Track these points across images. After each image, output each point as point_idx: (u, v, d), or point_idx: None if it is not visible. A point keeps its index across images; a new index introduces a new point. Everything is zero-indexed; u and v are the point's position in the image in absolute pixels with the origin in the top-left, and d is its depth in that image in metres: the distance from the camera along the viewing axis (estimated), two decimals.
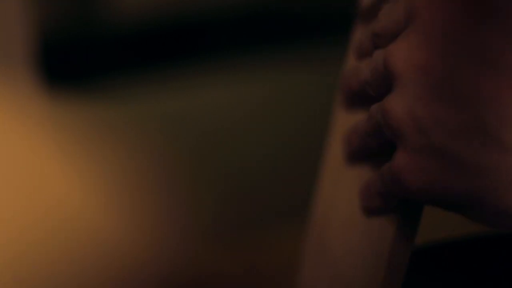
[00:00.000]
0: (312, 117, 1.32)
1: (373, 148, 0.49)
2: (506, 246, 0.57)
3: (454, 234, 0.59)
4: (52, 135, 1.21)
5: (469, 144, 0.42)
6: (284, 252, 1.05)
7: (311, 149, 1.28)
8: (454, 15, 0.43)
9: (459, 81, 0.42)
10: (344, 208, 0.48)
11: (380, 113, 0.45)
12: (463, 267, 0.56)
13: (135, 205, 1.09)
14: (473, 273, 0.55)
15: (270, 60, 1.45)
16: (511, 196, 0.42)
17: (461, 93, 0.42)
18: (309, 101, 1.36)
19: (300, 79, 1.39)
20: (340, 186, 0.49)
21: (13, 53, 1.27)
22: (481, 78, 0.41)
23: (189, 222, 1.07)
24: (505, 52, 0.41)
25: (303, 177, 1.26)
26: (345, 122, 0.52)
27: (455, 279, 0.54)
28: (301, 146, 1.31)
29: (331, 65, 1.38)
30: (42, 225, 1.03)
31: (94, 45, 1.40)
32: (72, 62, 1.38)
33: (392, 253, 0.44)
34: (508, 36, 0.41)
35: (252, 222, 1.12)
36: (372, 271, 0.44)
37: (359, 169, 0.49)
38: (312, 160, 1.23)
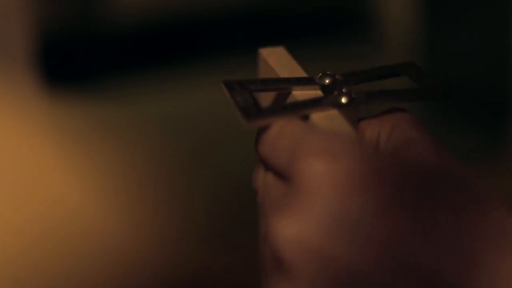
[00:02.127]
0: None
1: None
2: None
3: None
4: (51, 135, 1.21)
5: None
6: None
7: None
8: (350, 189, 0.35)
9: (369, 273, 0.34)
10: None
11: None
12: None
13: (134, 205, 1.09)
14: None
15: None
16: None
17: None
18: None
19: None
20: None
21: (13, 53, 1.27)
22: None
23: (188, 221, 1.07)
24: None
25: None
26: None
27: None
28: None
29: (331, 65, 1.38)
30: (42, 224, 1.03)
31: (94, 45, 1.40)
32: (72, 62, 1.38)
33: None
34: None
35: (252, 221, 1.12)
36: None
37: None
38: None
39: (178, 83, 1.36)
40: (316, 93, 0.44)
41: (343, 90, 0.43)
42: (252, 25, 1.45)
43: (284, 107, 0.43)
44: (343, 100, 0.42)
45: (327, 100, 0.42)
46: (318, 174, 0.35)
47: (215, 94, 1.34)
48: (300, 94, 0.44)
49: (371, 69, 0.46)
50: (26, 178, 1.13)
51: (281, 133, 0.40)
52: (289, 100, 0.44)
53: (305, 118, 0.41)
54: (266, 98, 0.47)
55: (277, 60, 0.48)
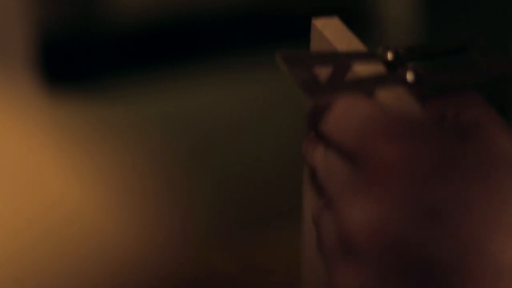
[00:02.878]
0: None
1: None
2: None
3: None
4: (51, 135, 1.21)
5: None
6: (283, 250, 1.05)
7: None
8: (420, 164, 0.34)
9: (432, 254, 0.34)
10: None
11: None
12: None
13: (134, 205, 1.09)
14: None
15: (269, 60, 1.45)
16: None
17: (447, 276, 0.34)
18: None
19: None
20: None
21: (13, 53, 1.27)
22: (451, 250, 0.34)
23: (188, 221, 1.07)
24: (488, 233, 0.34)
25: (303, 176, 1.26)
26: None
27: None
28: (300, 146, 1.31)
29: None
30: (42, 224, 1.03)
31: (94, 45, 1.40)
32: (72, 62, 1.38)
33: None
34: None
35: (251, 221, 1.12)
36: None
37: None
38: None
39: (178, 83, 1.36)
40: (378, 68, 0.41)
41: (408, 67, 0.40)
42: (252, 25, 1.45)
43: (348, 83, 0.41)
44: (409, 77, 0.39)
45: (393, 77, 0.40)
46: (391, 158, 0.35)
47: (215, 94, 1.35)
48: (361, 69, 0.41)
49: (434, 44, 0.44)
50: (26, 178, 1.13)
51: (349, 112, 0.38)
52: (349, 75, 0.42)
53: (370, 95, 0.39)
54: (321, 72, 0.44)
55: (333, 32, 0.44)
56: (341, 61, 0.42)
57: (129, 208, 1.09)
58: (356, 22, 1.48)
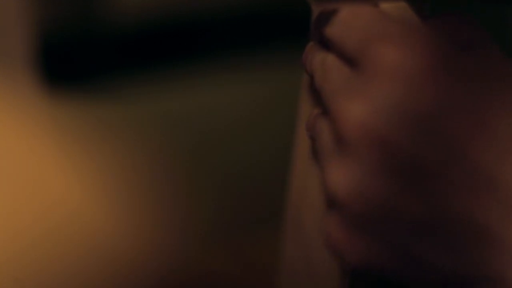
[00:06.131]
0: None
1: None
2: None
3: None
4: (51, 135, 1.21)
5: (432, 246, 0.35)
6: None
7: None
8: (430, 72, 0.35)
9: (429, 167, 0.35)
10: (315, 191, 0.49)
11: (323, 178, 0.37)
12: None
13: (134, 205, 1.09)
14: None
15: (269, 60, 1.45)
16: None
17: (430, 181, 0.35)
18: None
19: (299, 79, 1.39)
20: (310, 174, 0.50)
21: (13, 53, 1.27)
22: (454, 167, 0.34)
23: (188, 221, 1.07)
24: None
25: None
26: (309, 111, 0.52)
27: None
28: None
29: None
30: (42, 224, 1.03)
31: (94, 45, 1.40)
32: (72, 62, 1.38)
33: None
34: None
35: (251, 221, 1.12)
36: None
37: None
38: None
39: (178, 83, 1.36)
40: None
41: None
42: (252, 25, 1.45)
43: None
44: None
45: None
46: (391, 62, 0.35)
47: (215, 94, 1.35)
48: None
49: None
50: (26, 178, 1.13)
51: (356, 16, 0.39)
52: None
53: (374, 6, 0.40)
54: None
55: None
56: None
57: (129, 208, 1.09)
58: None
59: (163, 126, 1.27)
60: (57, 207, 1.07)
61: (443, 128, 0.35)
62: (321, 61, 0.41)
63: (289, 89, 1.37)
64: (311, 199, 0.50)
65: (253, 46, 1.43)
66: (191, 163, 1.20)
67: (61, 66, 1.37)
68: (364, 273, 0.37)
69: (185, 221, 1.08)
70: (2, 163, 1.15)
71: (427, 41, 0.36)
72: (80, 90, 1.34)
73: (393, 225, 0.35)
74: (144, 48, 1.42)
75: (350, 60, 0.38)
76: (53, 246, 1.01)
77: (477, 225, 0.35)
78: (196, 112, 1.30)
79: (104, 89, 1.35)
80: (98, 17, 1.40)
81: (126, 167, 1.17)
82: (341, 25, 0.39)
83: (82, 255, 1.00)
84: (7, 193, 1.09)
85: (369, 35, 0.37)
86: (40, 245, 1.01)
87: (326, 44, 0.41)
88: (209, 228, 1.08)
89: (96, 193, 1.11)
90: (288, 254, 0.51)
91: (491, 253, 0.35)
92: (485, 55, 0.38)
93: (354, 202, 0.36)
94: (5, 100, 1.24)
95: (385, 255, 0.36)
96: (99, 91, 1.34)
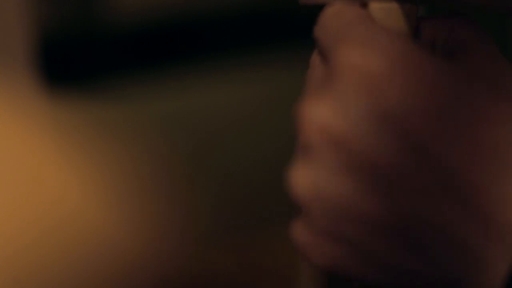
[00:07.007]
0: None
1: None
2: None
3: None
4: (51, 135, 1.21)
5: (396, 249, 0.34)
6: (282, 251, 1.05)
7: None
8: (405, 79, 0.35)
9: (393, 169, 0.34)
10: None
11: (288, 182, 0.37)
12: None
13: (134, 205, 1.09)
14: None
15: (269, 60, 1.45)
16: None
17: (391, 183, 0.34)
18: None
19: (299, 79, 1.39)
20: None
21: (13, 53, 1.27)
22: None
23: (188, 221, 1.07)
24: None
25: None
26: None
27: None
28: None
29: None
30: (42, 224, 1.03)
31: (94, 45, 1.40)
32: (72, 62, 1.38)
33: None
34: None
35: (251, 221, 1.12)
36: None
37: None
38: None
39: (178, 83, 1.36)
40: None
41: None
42: (252, 25, 1.45)
43: None
44: None
45: None
46: (354, 66, 0.35)
47: (215, 94, 1.35)
48: None
49: None
50: (26, 178, 1.13)
51: (335, 15, 0.39)
52: None
53: (364, 6, 0.40)
54: None
55: None
56: None
57: (129, 208, 1.09)
58: None
59: (163, 126, 1.27)
60: (57, 207, 1.07)
61: (404, 131, 0.34)
62: (312, 60, 0.41)
63: (289, 89, 1.37)
64: None
65: (253, 46, 1.43)
66: (191, 163, 1.20)
67: (61, 66, 1.37)
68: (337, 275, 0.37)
69: (185, 220, 1.08)
70: (1, 163, 1.15)
71: (399, 47, 0.36)
72: (80, 90, 1.34)
73: (355, 227, 0.34)
74: (144, 48, 1.42)
75: (324, 57, 0.38)
76: (53, 246, 1.01)
77: (440, 228, 0.34)
78: (196, 112, 1.30)
79: (104, 89, 1.35)
80: (98, 17, 1.40)
81: (126, 167, 1.17)
82: (323, 23, 0.40)
83: (82, 254, 1.00)
84: (7, 193, 1.09)
85: (340, 36, 0.37)
86: (40, 245, 1.01)
87: None
88: (209, 228, 1.08)
89: (96, 193, 1.11)
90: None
91: (454, 254, 0.34)
92: (477, 56, 0.37)
93: (315, 205, 0.35)
94: (5, 99, 1.24)
95: (350, 257, 0.35)
96: (99, 91, 1.34)
